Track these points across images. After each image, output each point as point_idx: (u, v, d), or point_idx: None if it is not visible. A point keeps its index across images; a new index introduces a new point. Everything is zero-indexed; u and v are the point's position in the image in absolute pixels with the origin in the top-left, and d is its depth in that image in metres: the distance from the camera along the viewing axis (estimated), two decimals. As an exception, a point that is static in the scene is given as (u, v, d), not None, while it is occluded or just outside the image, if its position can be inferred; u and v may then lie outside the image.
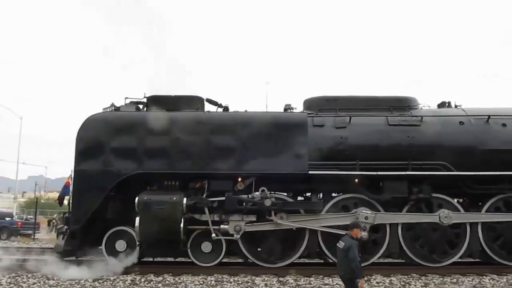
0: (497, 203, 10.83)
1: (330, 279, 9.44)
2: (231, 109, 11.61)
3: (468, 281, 9.40)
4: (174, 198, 10.37)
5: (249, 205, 10.53)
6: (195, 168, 10.62)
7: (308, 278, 9.64)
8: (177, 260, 11.77)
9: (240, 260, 11.67)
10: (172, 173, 10.64)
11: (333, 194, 11.25)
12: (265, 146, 10.59)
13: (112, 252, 10.81)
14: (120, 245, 10.88)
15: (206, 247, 10.86)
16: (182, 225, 10.32)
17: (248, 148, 10.61)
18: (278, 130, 10.69)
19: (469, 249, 10.68)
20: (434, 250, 10.65)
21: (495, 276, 9.78)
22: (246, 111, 11.41)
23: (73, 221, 10.62)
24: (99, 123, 10.93)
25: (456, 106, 11.94)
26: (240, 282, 9.30)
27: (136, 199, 10.44)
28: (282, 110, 11.64)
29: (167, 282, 9.41)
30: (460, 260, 10.82)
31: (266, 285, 9.13)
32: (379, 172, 10.59)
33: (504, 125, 11.00)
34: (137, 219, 10.37)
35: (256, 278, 9.63)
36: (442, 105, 12.02)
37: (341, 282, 7.64)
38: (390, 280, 9.45)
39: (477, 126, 11.01)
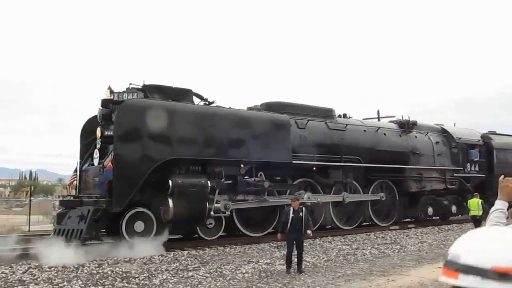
0: (377, 185, 16.51)
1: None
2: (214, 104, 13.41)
3: (140, 259, 9.99)
4: (203, 181, 11.80)
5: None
6: (217, 155, 12.24)
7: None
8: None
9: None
10: (199, 159, 11.95)
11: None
12: (264, 140, 13.11)
13: (131, 233, 11.26)
14: (140, 226, 11.41)
15: (210, 223, 12.62)
16: (207, 204, 11.87)
17: (254, 141, 12.90)
18: (273, 128, 13.36)
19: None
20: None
21: (164, 252, 10.72)
22: (230, 107, 13.50)
23: (116, 204, 10.68)
24: (139, 109, 11.15)
25: (348, 117, 17.02)
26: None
27: (170, 182, 11.35)
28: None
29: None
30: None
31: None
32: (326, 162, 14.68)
33: (385, 134, 16.72)
34: (170, 200, 11.32)
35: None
36: (344, 115, 16.87)
37: None
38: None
39: (372, 134, 16.35)
